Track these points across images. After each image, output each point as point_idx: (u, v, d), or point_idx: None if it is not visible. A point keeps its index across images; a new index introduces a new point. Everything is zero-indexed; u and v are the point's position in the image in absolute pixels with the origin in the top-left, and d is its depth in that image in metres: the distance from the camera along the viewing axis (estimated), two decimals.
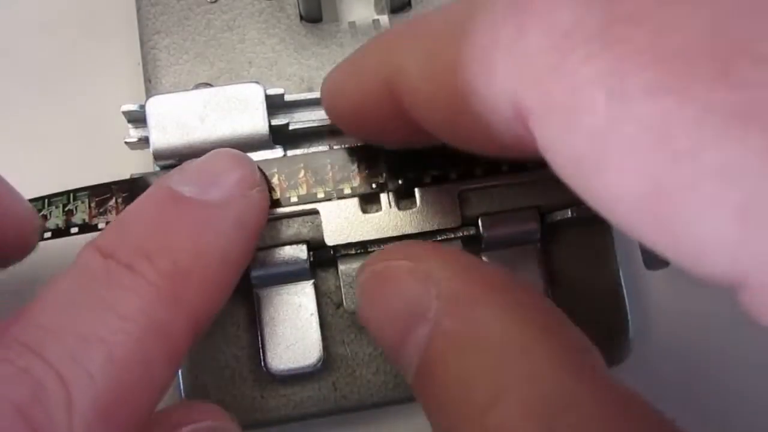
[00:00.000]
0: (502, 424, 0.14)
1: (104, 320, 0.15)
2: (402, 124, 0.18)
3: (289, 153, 0.23)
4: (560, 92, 0.12)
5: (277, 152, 0.22)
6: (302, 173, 0.22)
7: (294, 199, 0.22)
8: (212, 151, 0.21)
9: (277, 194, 0.22)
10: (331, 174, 0.22)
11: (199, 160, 0.20)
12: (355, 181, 0.22)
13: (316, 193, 0.22)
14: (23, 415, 0.14)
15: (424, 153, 0.22)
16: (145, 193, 0.19)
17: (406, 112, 0.17)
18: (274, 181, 0.22)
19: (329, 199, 0.22)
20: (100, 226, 0.21)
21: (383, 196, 0.22)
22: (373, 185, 0.22)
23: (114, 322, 0.15)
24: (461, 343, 0.15)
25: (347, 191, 0.22)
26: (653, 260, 0.24)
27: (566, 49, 0.12)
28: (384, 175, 0.22)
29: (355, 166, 0.22)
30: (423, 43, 0.16)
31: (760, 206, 0.10)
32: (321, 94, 0.21)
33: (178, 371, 0.17)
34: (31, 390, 0.14)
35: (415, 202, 0.23)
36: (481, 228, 0.23)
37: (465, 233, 0.23)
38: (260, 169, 0.21)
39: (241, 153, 0.21)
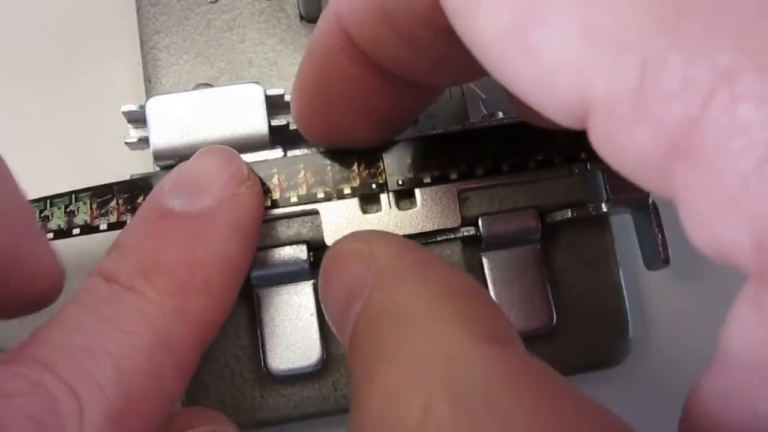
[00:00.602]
0: (397, 383, 0.14)
1: (111, 336, 0.16)
2: (361, 77, 0.18)
3: (289, 153, 0.23)
4: None
5: (277, 152, 0.22)
6: (302, 173, 0.22)
7: (294, 200, 0.22)
8: (199, 151, 0.21)
9: (277, 194, 0.22)
10: (331, 174, 0.22)
11: (187, 164, 0.20)
12: (355, 181, 0.22)
13: (316, 194, 0.22)
14: (38, 425, 0.14)
15: (425, 153, 0.22)
16: (138, 211, 0.20)
17: (360, 51, 0.18)
18: (274, 181, 0.22)
19: (329, 200, 0.22)
20: (101, 227, 0.21)
21: (383, 196, 0.22)
22: (373, 186, 0.22)
23: (120, 337, 0.16)
24: (382, 313, 0.16)
25: (347, 191, 0.22)
26: (653, 260, 0.24)
27: None
28: (384, 175, 0.22)
29: (354, 167, 0.22)
30: None
31: (597, 26, 0.11)
32: (292, 111, 0.21)
33: (187, 380, 0.17)
34: (44, 402, 0.15)
35: (415, 202, 0.23)
36: (481, 228, 0.23)
37: (465, 233, 0.23)
38: (249, 166, 0.21)
39: (227, 149, 0.21)
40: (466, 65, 0.15)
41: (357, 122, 0.20)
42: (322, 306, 0.19)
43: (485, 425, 0.13)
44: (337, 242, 0.19)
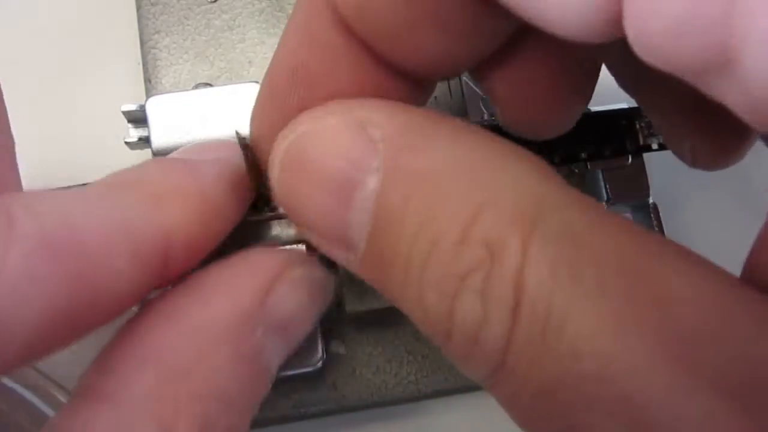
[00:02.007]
0: (486, 236, 0.13)
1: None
2: (353, 57, 0.16)
3: None
4: None
5: None
6: None
7: None
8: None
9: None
10: None
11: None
12: None
13: None
14: None
15: None
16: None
17: (350, 29, 0.15)
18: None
19: None
20: None
21: None
22: None
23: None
24: (425, 179, 0.14)
25: None
26: None
27: None
28: None
29: None
30: None
31: None
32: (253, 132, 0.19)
33: (142, 269, 0.16)
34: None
35: None
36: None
37: None
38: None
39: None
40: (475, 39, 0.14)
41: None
42: (288, 204, 0.16)
43: (580, 264, 0.12)
44: (298, 122, 0.16)
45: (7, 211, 0.14)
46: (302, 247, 0.22)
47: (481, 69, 0.18)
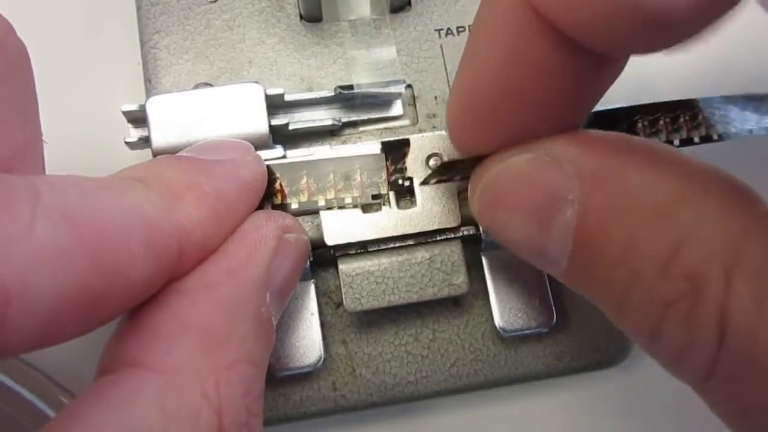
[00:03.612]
0: (688, 269, 0.14)
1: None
2: (560, 62, 0.16)
3: (290, 153, 0.23)
4: None
5: (277, 152, 0.22)
6: (304, 180, 0.22)
7: (295, 206, 0.22)
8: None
9: (279, 200, 0.22)
10: (333, 182, 0.22)
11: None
12: (357, 190, 0.22)
13: (317, 201, 0.22)
14: None
15: (426, 152, 0.22)
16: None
17: (551, 25, 0.15)
18: (276, 186, 0.22)
19: (330, 208, 0.22)
20: None
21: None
22: (373, 196, 0.22)
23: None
24: (618, 210, 0.15)
25: (348, 201, 0.22)
26: None
27: None
28: (386, 185, 0.22)
29: (357, 175, 0.22)
30: None
31: None
32: (449, 118, 0.19)
33: (156, 266, 0.16)
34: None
35: (416, 201, 0.23)
36: (481, 227, 0.23)
37: (465, 233, 0.23)
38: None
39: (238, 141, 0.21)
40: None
41: (542, 120, 0.17)
42: (494, 224, 0.17)
43: None
44: (494, 158, 0.17)
45: (32, 185, 0.14)
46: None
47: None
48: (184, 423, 0.15)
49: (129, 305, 0.16)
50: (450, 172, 0.22)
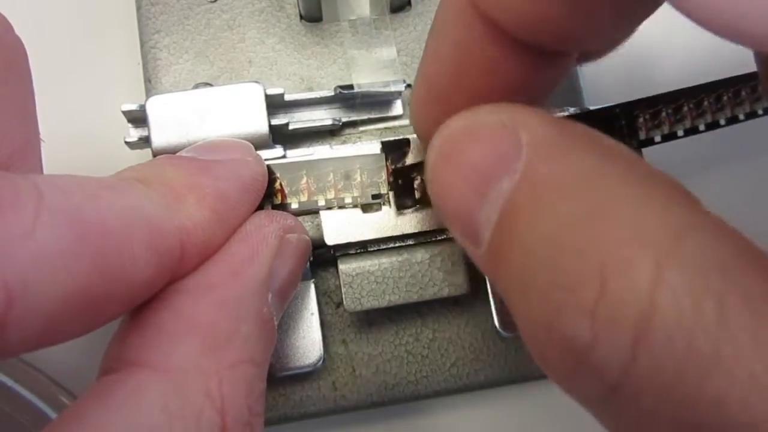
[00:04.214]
0: (611, 254, 0.12)
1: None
2: (503, 59, 0.16)
3: (290, 153, 0.23)
4: None
5: (277, 151, 0.22)
6: (304, 179, 0.22)
7: (295, 206, 0.22)
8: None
9: (279, 199, 0.22)
10: (333, 182, 0.22)
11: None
12: (357, 190, 0.22)
13: (317, 201, 0.22)
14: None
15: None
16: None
17: (492, 22, 0.16)
18: (276, 186, 0.22)
19: (330, 208, 0.22)
20: None
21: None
22: (373, 196, 0.22)
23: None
24: (555, 187, 0.14)
25: (348, 200, 0.22)
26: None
27: None
28: (386, 185, 0.22)
29: (357, 175, 0.22)
30: None
31: None
32: (411, 113, 0.20)
33: (157, 266, 0.16)
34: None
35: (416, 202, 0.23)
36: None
37: None
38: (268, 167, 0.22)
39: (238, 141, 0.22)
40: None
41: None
42: (435, 186, 0.16)
43: (728, 298, 0.11)
44: (458, 118, 0.16)
45: (35, 184, 0.14)
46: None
47: None
48: (187, 422, 0.15)
49: (131, 305, 0.16)
50: (414, 173, 0.22)
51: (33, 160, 0.18)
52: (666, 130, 0.21)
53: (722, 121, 0.22)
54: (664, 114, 0.21)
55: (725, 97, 0.22)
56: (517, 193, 0.14)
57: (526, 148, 0.15)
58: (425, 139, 0.19)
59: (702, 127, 0.22)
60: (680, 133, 0.21)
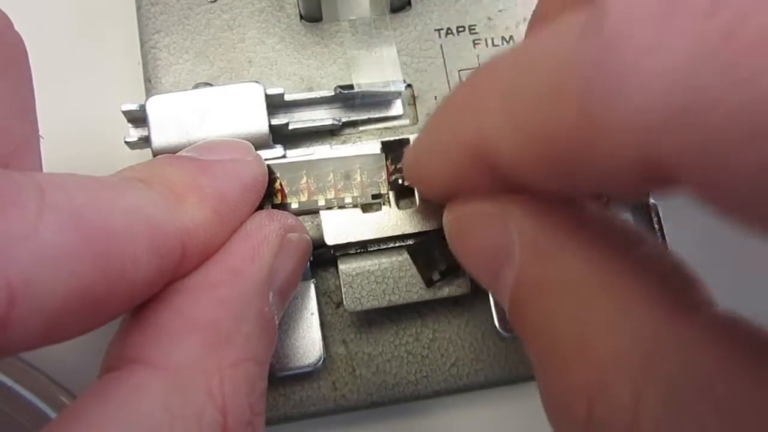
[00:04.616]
0: (593, 371, 0.13)
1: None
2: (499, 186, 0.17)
3: (290, 153, 0.23)
4: None
5: (277, 151, 0.22)
6: (304, 179, 0.22)
7: (295, 206, 0.22)
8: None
9: (279, 199, 0.22)
10: (333, 182, 0.22)
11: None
12: (357, 189, 0.22)
13: (317, 201, 0.22)
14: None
15: None
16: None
17: (504, 178, 0.16)
18: (276, 185, 0.22)
19: (330, 207, 0.22)
20: None
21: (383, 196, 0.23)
22: (373, 196, 0.22)
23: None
24: (544, 288, 0.15)
25: (348, 200, 0.22)
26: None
27: None
28: (386, 185, 0.22)
29: (357, 175, 0.22)
30: (511, 101, 0.14)
31: None
32: (405, 171, 0.21)
33: (158, 267, 0.16)
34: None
35: (415, 201, 0.23)
36: None
37: None
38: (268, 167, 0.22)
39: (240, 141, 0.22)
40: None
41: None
42: (459, 260, 0.18)
43: (706, 416, 0.12)
44: (458, 200, 0.18)
45: (38, 183, 0.14)
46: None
47: None
48: (189, 421, 0.15)
49: (132, 305, 0.16)
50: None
51: (32, 157, 0.18)
52: None
53: None
54: None
55: None
56: (518, 288, 0.16)
57: (518, 248, 0.16)
58: (426, 195, 0.20)
59: None
60: None
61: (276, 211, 0.21)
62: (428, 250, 0.22)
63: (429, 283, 0.22)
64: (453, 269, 0.22)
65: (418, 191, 0.22)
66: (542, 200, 0.16)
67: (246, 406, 0.16)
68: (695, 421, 0.12)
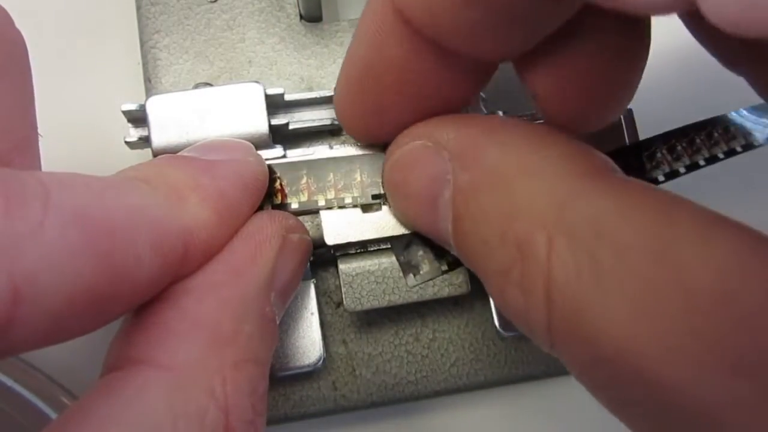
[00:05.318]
0: (518, 237, 0.15)
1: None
2: (415, 59, 0.18)
3: (290, 153, 0.23)
4: None
5: (277, 151, 0.22)
6: (304, 179, 0.22)
7: (295, 206, 0.22)
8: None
9: (279, 199, 0.22)
10: (333, 182, 0.22)
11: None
12: (357, 189, 0.22)
13: (317, 201, 0.22)
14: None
15: None
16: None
17: (414, 31, 0.17)
18: (276, 185, 0.22)
19: (330, 208, 0.22)
20: None
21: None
22: (373, 196, 0.22)
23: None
24: (475, 188, 0.17)
25: (348, 200, 0.22)
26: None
27: None
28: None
29: (357, 175, 0.22)
30: None
31: None
32: (335, 99, 0.21)
33: (154, 265, 0.16)
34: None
35: None
36: None
37: None
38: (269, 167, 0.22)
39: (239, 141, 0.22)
40: (534, 19, 0.15)
41: (408, 113, 0.20)
42: (398, 209, 0.20)
43: (600, 253, 0.13)
44: (393, 147, 0.19)
45: (42, 183, 0.14)
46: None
47: (525, 61, 0.18)
48: (191, 420, 0.15)
49: (134, 305, 0.16)
50: None
51: (32, 155, 0.18)
52: (666, 169, 0.21)
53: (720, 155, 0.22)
54: (698, 140, 0.21)
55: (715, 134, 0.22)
56: (455, 204, 0.17)
57: (450, 162, 0.17)
58: (349, 129, 0.21)
59: (739, 148, 0.21)
60: (721, 155, 0.21)
61: (277, 212, 0.21)
62: (411, 249, 0.22)
63: (408, 275, 0.22)
64: (436, 271, 0.22)
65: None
66: (464, 116, 0.19)
67: (248, 405, 0.16)
68: (594, 259, 0.13)
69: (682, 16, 0.17)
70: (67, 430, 0.14)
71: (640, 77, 0.18)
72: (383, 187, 0.21)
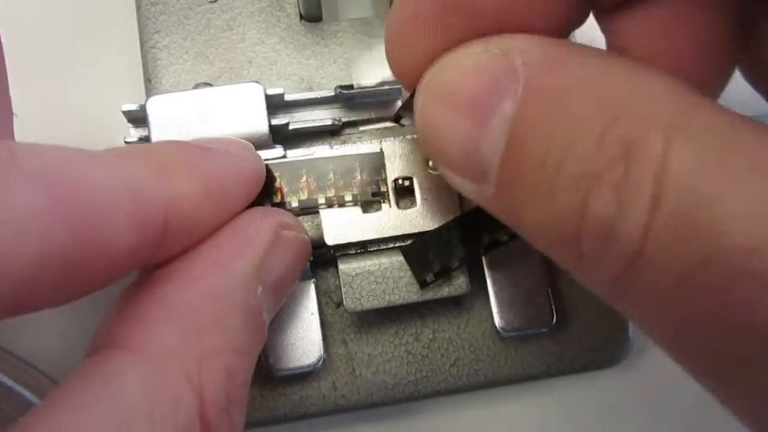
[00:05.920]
0: (626, 136, 0.13)
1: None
2: None
3: (290, 153, 0.23)
4: None
5: (277, 151, 0.22)
6: (304, 178, 0.22)
7: (295, 204, 0.22)
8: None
9: (279, 198, 0.22)
10: (333, 180, 0.22)
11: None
12: (356, 188, 0.22)
13: (317, 199, 0.22)
14: None
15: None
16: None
17: None
18: (276, 184, 0.22)
19: (330, 206, 0.22)
20: None
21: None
22: (373, 194, 0.22)
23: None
24: (564, 90, 0.14)
25: (348, 198, 0.22)
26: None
27: None
28: (386, 183, 0.22)
29: (357, 173, 0.22)
30: None
31: None
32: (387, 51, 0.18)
33: (142, 243, 0.16)
34: None
35: (415, 201, 0.23)
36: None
37: None
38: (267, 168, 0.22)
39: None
40: None
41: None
42: (429, 131, 0.16)
43: (731, 157, 0.12)
44: (446, 55, 0.16)
45: (9, 147, 0.14)
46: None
47: (614, 15, 0.17)
48: (166, 404, 0.15)
49: (113, 276, 0.16)
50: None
51: (3, 131, 0.18)
52: None
53: None
54: None
55: None
56: (523, 110, 0.14)
57: (523, 69, 0.14)
58: (403, 77, 0.18)
59: None
60: None
61: (272, 208, 0.21)
62: (422, 251, 0.22)
63: (423, 284, 0.22)
64: (447, 270, 0.22)
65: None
66: (541, 36, 0.15)
67: (222, 393, 0.16)
68: (723, 159, 0.12)
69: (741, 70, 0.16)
70: (46, 412, 0.14)
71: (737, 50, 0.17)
72: (406, 110, 0.18)
